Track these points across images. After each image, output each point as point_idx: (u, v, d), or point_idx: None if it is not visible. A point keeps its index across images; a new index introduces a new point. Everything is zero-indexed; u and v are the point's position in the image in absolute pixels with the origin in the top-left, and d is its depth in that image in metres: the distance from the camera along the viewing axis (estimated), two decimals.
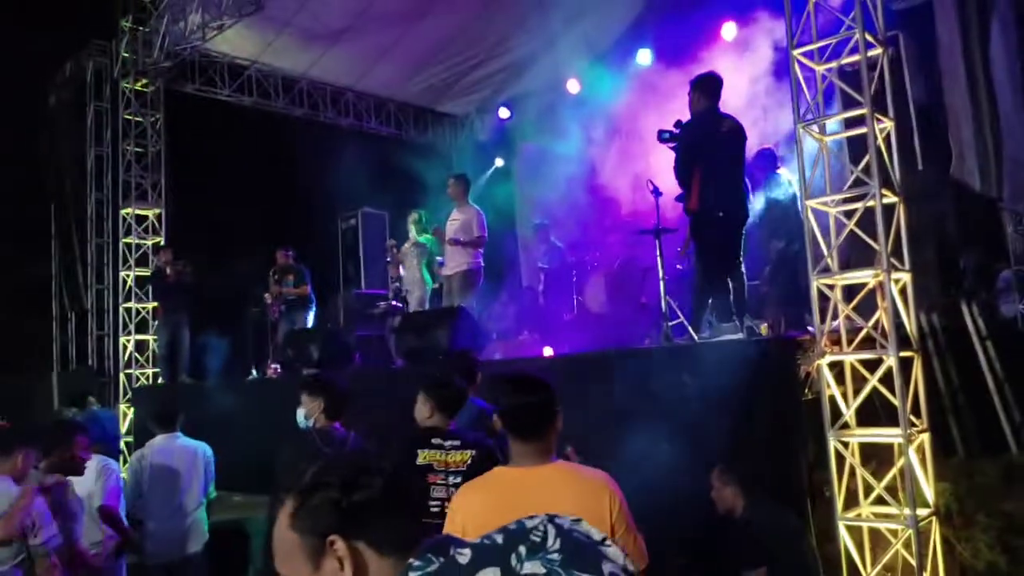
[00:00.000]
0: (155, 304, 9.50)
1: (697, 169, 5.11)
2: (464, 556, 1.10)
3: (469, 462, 3.28)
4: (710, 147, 5.14)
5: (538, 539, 1.10)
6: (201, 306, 9.00)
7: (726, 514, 3.85)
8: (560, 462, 2.36)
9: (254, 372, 9.07)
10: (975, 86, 6.50)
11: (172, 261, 8.84)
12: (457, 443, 3.35)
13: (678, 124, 5.41)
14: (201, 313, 9.02)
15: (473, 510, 2.27)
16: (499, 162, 12.48)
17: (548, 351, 6.77)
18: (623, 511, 2.25)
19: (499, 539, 1.12)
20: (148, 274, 9.50)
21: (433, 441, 3.36)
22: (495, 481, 2.34)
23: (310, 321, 8.96)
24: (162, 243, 9.65)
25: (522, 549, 1.08)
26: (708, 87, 5.31)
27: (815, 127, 4.13)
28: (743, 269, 5.36)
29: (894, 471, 3.71)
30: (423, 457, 3.34)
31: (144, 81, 9.67)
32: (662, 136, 5.43)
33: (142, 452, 4.67)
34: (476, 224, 7.27)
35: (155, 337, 9.48)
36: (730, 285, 5.21)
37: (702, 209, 5.11)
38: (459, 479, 3.21)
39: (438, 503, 3.21)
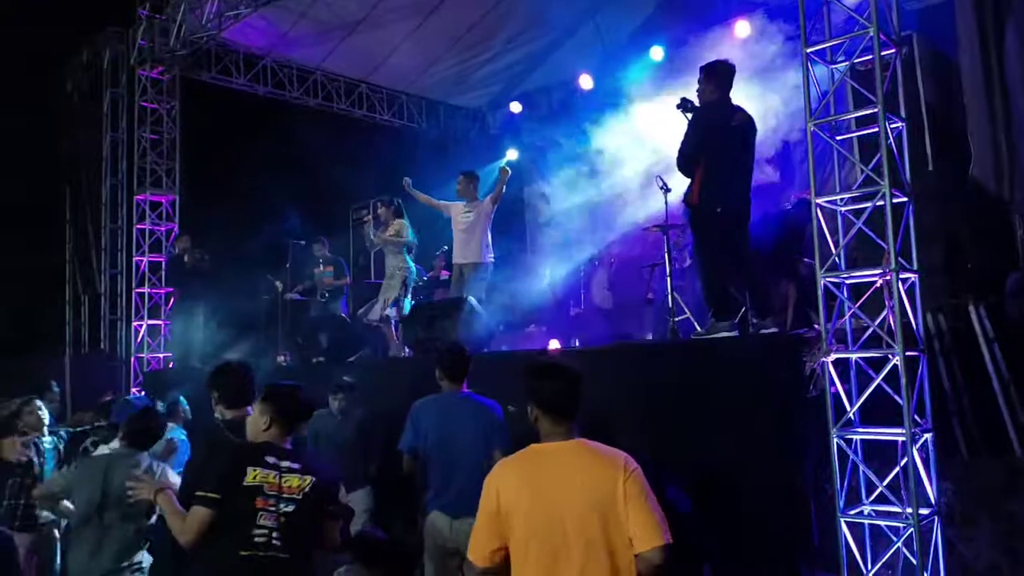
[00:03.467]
0: (169, 290, 9.61)
1: (701, 162, 4.92)
2: None
3: (308, 490, 2.90)
4: (718, 140, 4.91)
5: None
6: (216, 293, 9.11)
7: None
8: (582, 439, 2.53)
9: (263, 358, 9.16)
10: (991, 87, 6.48)
11: (190, 248, 8.93)
12: (296, 466, 2.93)
13: (686, 101, 5.18)
14: (216, 300, 9.14)
15: (507, 482, 2.50)
16: (511, 155, 12.50)
17: (554, 344, 6.81)
18: (637, 485, 2.39)
19: None
20: (161, 260, 9.61)
21: (267, 459, 2.91)
22: (526, 456, 2.55)
23: (342, 310, 9.03)
24: (176, 229, 9.75)
25: None
26: (720, 75, 5.02)
27: (826, 126, 4.14)
28: (752, 268, 5.21)
29: (897, 469, 3.73)
30: (253, 476, 2.86)
31: (160, 69, 9.74)
32: (686, 105, 5.16)
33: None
34: (488, 215, 7.28)
35: (168, 322, 9.60)
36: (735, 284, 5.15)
37: (701, 204, 4.93)
38: (292, 508, 2.86)
39: (264, 532, 2.83)
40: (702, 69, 5.15)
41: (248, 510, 2.83)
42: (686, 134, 5.05)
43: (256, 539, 2.82)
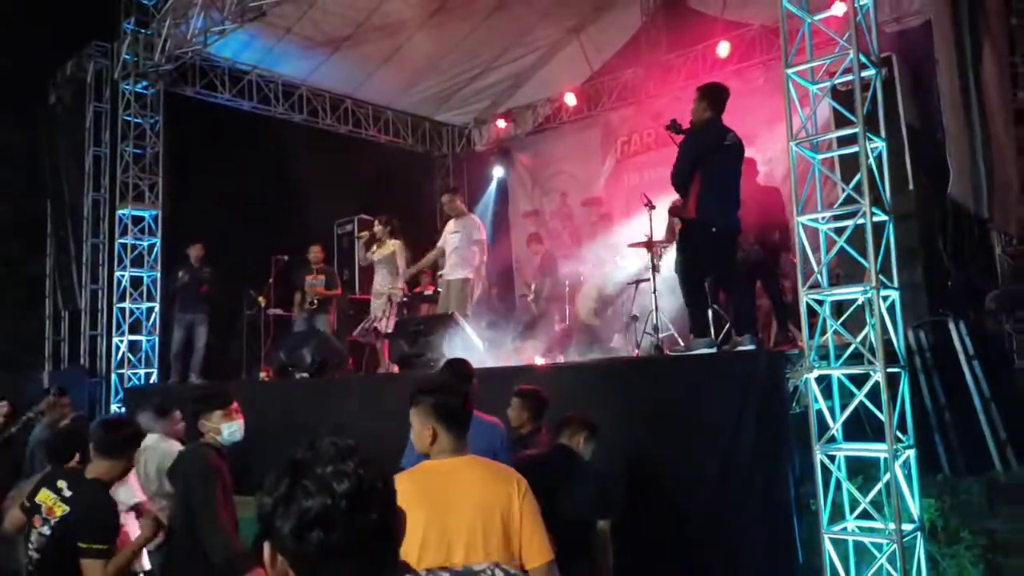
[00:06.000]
0: (150, 305, 9.54)
1: (697, 179, 5.01)
2: None
3: (56, 520, 3.01)
4: (713, 158, 5.03)
5: None
6: (209, 308, 9.00)
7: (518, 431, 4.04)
8: (473, 455, 2.48)
9: (244, 375, 9.09)
10: (969, 108, 6.59)
11: (198, 266, 8.88)
12: (68, 495, 3.06)
13: (675, 123, 5.28)
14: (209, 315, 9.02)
15: (402, 498, 2.42)
16: (495, 172, 12.56)
17: (539, 360, 6.80)
18: (531, 503, 2.37)
19: None
20: (142, 275, 9.56)
21: (58, 483, 3.11)
22: (420, 471, 2.47)
23: (328, 323, 8.96)
24: (158, 244, 9.69)
25: None
26: (715, 97, 5.17)
27: (807, 145, 4.19)
28: (742, 283, 5.31)
29: (880, 486, 3.74)
30: (39, 496, 3.11)
31: (144, 83, 9.71)
32: (676, 127, 5.26)
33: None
34: (476, 230, 7.34)
35: (148, 338, 9.50)
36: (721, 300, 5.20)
37: (698, 220, 5.02)
38: (48, 533, 2.99)
39: (29, 551, 3.02)
40: (698, 89, 5.27)
41: (29, 526, 3.08)
42: (681, 151, 5.14)
43: (28, 554, 3.03)
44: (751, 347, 4.84)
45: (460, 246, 7.29)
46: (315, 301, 8.73)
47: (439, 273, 7.90)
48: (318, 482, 1.08)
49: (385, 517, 1.12)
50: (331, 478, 1.08)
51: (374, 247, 8.10)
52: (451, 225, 7.47)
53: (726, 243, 5.09)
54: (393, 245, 8.02)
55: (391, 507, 1.15)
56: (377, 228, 8.12)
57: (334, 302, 8.98)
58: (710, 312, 5.20)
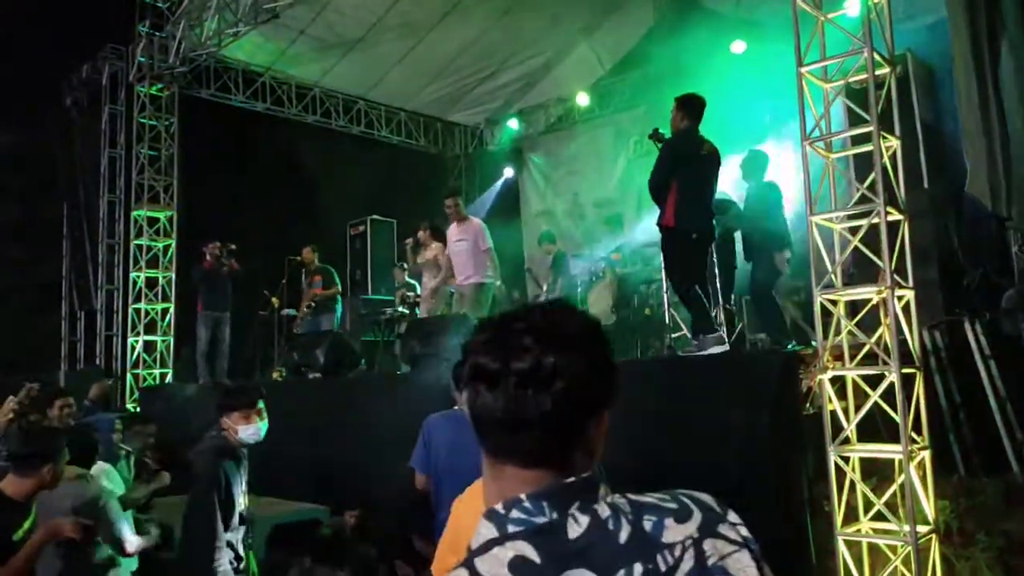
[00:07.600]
0: (165, 305, 9.61)
1: (674, 187, 5.14)
2: (576, 528, 0.96)
3: None
4: (689, 167, 5.18)
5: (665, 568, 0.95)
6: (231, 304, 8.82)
7: None
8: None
9: (258, 375, 9.13)
10: (986, 106, 6.52)
11: (221, 253, 8.65)
12: None
13: (658, 133, 5.51)
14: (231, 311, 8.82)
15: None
16: (507, 172, 12.58)
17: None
18: None
19: (623, 535, 0.96)
20: (157, 275, 9.63)
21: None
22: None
23: (335, 323, 8.94)
24: (173, 245, 9.75)
25: (638, 567, 0.94)
26: (692, 107, 5.33)
27: (821, 144, 4.16)
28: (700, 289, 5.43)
29: (894, 487, 3.71)
30: None
31: (159, 85, 9.79)
32: (659, 137, 5.51)
33: None
34: (482, 238, 7.32)
35: (163, 338, 9.57)
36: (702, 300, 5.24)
37: (677, 227, 5.15)
38: None
39: None
40: (676, 99, 5.42)
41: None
42: (658, 162, 5.30)
43: None
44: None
45: (469, 253, 7.29)
46: (312, 304, 8.77)
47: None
48: (499, 349, 0.99)
49: (564, 413, 0.98)
50: (510, 352, 0.99)
51: (421, 251, 8.18)
52: (455, 232, 7.46)
53: (702, 248, 5.30)
54: (436, 248, 8.08)
55: (582, 405, 1.00)
56: (421, 233, 8.21)
57: (338, 301, 9.01)
58: (717, 312, 5.23)
